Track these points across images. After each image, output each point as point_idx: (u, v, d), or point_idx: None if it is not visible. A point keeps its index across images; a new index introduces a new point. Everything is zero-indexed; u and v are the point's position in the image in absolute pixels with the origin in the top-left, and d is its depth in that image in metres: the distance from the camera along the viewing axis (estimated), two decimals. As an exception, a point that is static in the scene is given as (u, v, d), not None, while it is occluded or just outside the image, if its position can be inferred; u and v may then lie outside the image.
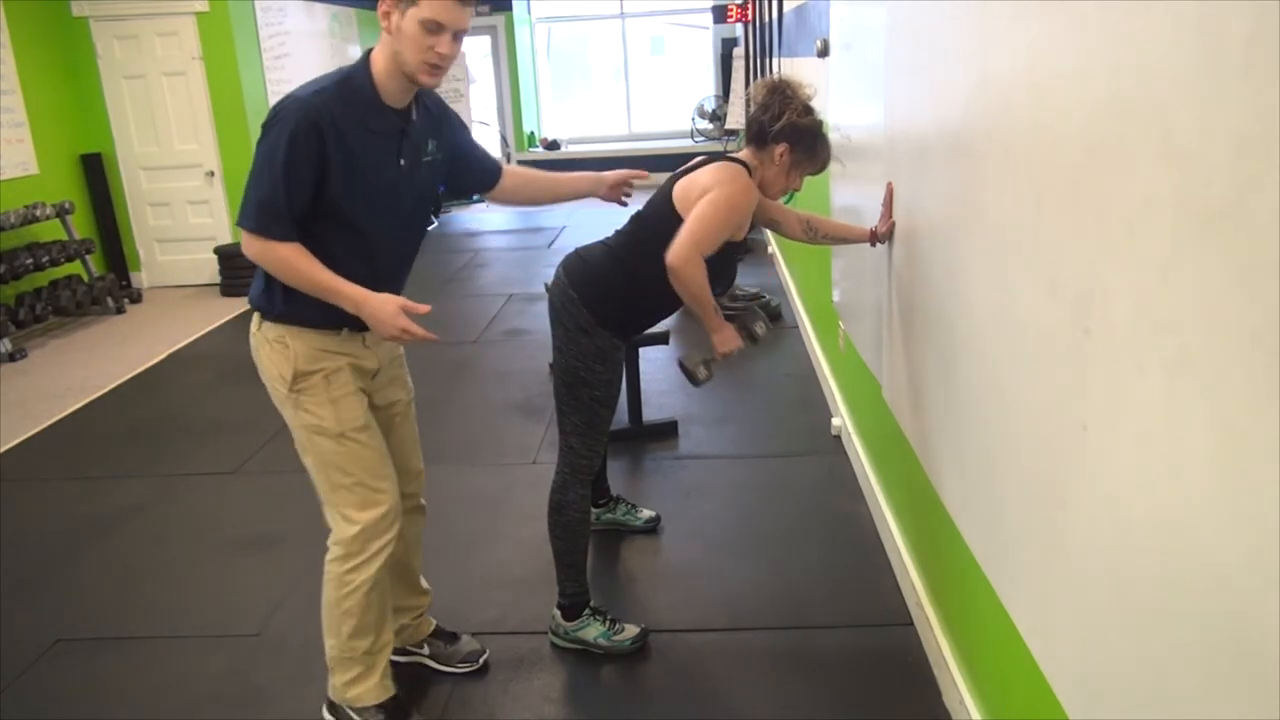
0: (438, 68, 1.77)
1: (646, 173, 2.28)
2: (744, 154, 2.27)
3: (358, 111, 1.78)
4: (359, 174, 1.80)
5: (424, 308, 1.81)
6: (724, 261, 2.21)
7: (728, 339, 2.23)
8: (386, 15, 1.74)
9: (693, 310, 2.18)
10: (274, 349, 1.90)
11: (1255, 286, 0.85)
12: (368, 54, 1.82)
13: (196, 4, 6.45)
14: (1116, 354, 1.14)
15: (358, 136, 1.78)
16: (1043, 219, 1.37)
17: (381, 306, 1.80)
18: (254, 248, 1.78)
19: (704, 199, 2.11)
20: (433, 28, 1.71)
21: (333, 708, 2.10)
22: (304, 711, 2.22)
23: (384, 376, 2.06)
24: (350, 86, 1.79)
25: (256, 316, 1.93)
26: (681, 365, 2.31)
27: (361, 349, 1.96)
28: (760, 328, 2.31)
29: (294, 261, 1.78)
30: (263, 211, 1.75)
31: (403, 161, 1.88)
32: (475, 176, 2.21)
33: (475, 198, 10.18)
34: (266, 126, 1.75)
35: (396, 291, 1.99)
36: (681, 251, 2.07)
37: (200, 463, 3.74)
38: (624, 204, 2.37)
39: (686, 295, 2.13)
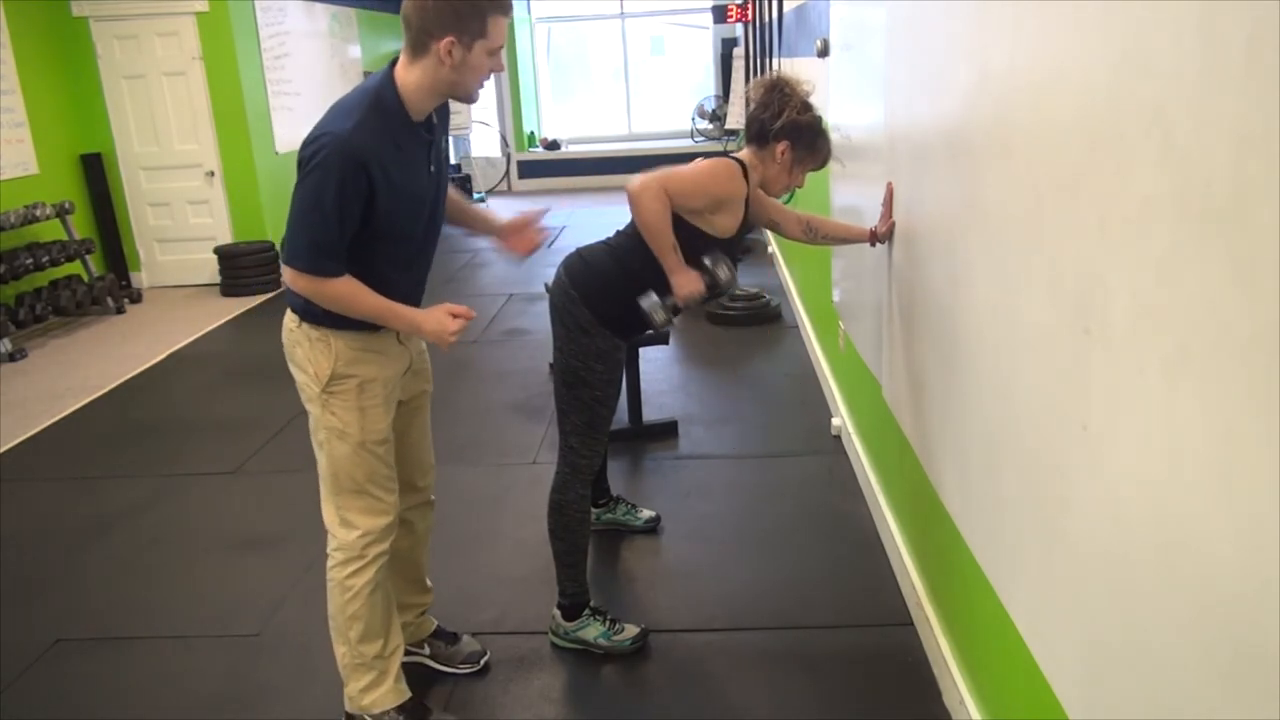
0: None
1: (542, 219, 2.26)
2: (744, 154, 2.27)
3: (391, 134, 1.79)
4: (398, 193, 1.82)
5: (471, 312, 1.91)
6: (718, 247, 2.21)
7: (688, 282, 2.10)
8: (449, 52, 1.73)
9: (650, 246, 2.10)
10: (315, 346, 1.90)
11: (1255, 286, 0.85)
12: (390, 71, 1.81)
13: (196, 4, 6.45)
14: (1116, 354, 1.14)
15: (393, 158, 1.79)
16: (1043, 219, 1.37)
17: (437, 319, 1.88)
18: (304, 284, 1.80)
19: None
20: (497, 50, 1.79)
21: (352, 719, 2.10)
22: (304, 711, 2.22)
23: (411, 370, 2.08)
24: (382, 110, 1.78)
25: (293, 315, 1.93)
26: (639, 306, 2.14)
27: (396, 345, 1.98)
28: (723, 271, 2.15)
29: (347, 294, 1.81)
30: (316, 253, 1.78)
31: (432, 169, 1.92)
32: None
33: (477, 196, 10.18)
34: (306, 163, 1.74)
35: (423, 284, 2.06)
36: (646, 181, 2.07)
37: (200, 463, 3.74)
38: (530, 253, 2.22)
39: (642, 225, 2.09)
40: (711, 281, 2.14)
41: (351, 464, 1.94)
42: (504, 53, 1.83)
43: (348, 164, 1.72)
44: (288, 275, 1.82)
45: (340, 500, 1.97)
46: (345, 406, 1.91)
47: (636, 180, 2.09)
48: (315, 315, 1.88)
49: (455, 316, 1.88)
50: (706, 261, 2.14)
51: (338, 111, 1.79)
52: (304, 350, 1.92)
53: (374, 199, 1.77)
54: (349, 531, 1.97)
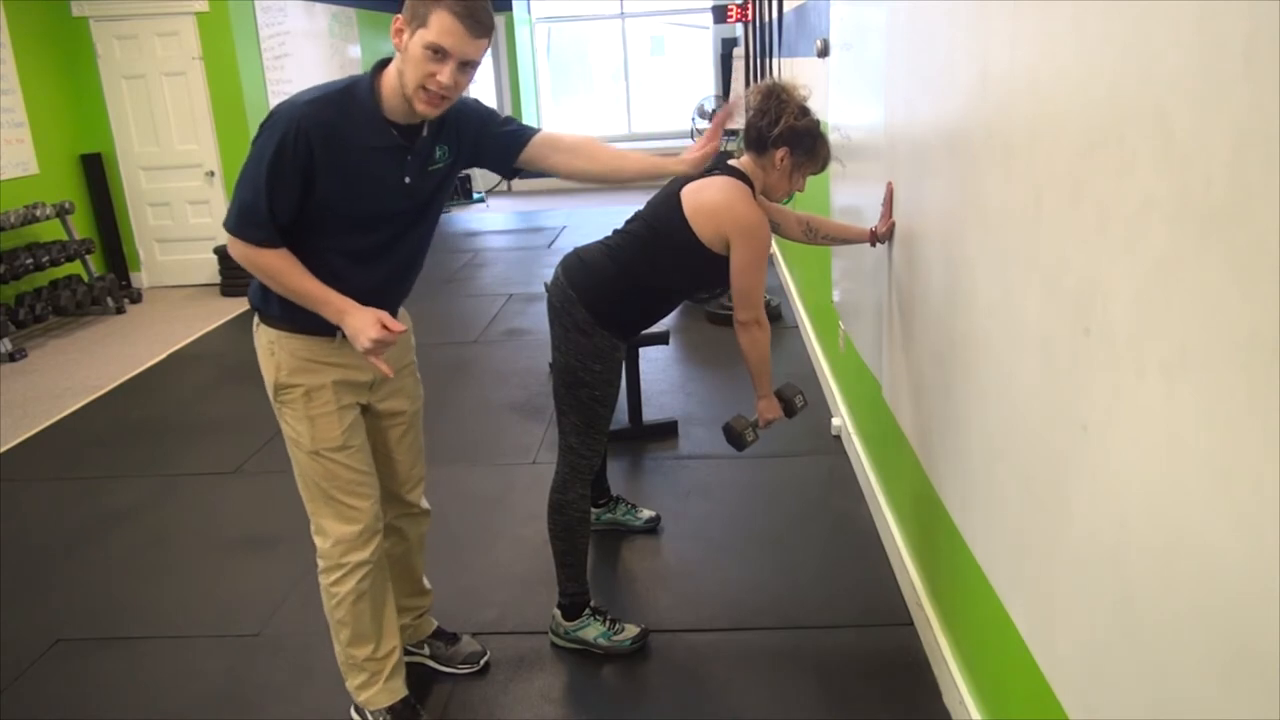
0: (438, 96, 1.67)
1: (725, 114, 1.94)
2: (744, 161, 2.26)
3: (355, 124, 1.72)
4: (351, 187, 1.75)
5: (399, 326, 1.74)
6: (725, 266, 2.21)
7: (771, 408, 2.39)
8: (399, 34, 1.67)
9: (750, 373, 2.30)
10: (264, 354, 1.88)
11: (1254, 287, 0.85)
12: (378, 65, 1.75)
13: (196, 4, 6.45)
14: (1116, 354, 1.14)
15: (353, 149, 1.72)
16: (1042, 219, 1.37)
17: (363, 319, 1.74)
18: (237, 250, 1.75)
19: (734, 261, 2.16)
20: (437, 53, 1.63)
21: (358, 709, 2.11)
22: (304, 711, 2.22)
23: (388, 386, 2.01)
24: (351, 98, 1.73)
25: (256, 315, 1.90)
26: (730, 430, 2.40)
27: (357, 357, 1.84)
28: (799, 401, 2.48)
29: (277, 268, 1.75)
30: (243, 216, 1.71)
31: (408, 179, 1.81)
32: (493, 161, 2.01)
33: (476, 196, 10.18)
34: (260, 128, 1.71)
35: (403, 295, 1.99)
36: (754, 316, 2.21)
37: (200, 463, 3.74)
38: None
39: (754, 358, 2.26)
40: (788, 409, 2.46)
41: (312, 471, 1.91)
42: (455, 70, 1.65)
43: (290, 130, 1.66)
44: (229, 244, 1.76)
45: (313, 507, 1.96)
46: (295, 415, 1.88)
47: (745, 321, 2.22)
48: (270, 313, 1.85)
49: (384, 328, 1.72)
50: (785, 393, 2.45)
51: (307, 89, 1.76)
52: (260, 358, 1.89)
53: (315, 179, 1.70)
54: (324, 540, 1.96)
